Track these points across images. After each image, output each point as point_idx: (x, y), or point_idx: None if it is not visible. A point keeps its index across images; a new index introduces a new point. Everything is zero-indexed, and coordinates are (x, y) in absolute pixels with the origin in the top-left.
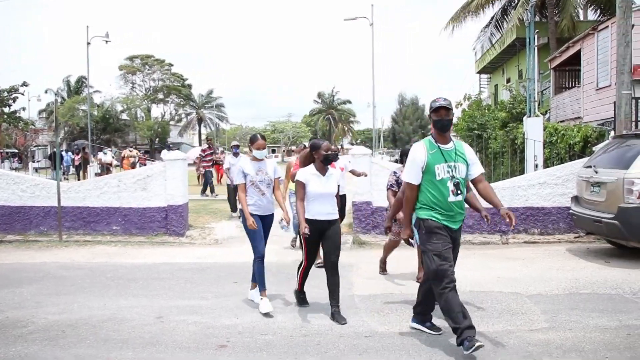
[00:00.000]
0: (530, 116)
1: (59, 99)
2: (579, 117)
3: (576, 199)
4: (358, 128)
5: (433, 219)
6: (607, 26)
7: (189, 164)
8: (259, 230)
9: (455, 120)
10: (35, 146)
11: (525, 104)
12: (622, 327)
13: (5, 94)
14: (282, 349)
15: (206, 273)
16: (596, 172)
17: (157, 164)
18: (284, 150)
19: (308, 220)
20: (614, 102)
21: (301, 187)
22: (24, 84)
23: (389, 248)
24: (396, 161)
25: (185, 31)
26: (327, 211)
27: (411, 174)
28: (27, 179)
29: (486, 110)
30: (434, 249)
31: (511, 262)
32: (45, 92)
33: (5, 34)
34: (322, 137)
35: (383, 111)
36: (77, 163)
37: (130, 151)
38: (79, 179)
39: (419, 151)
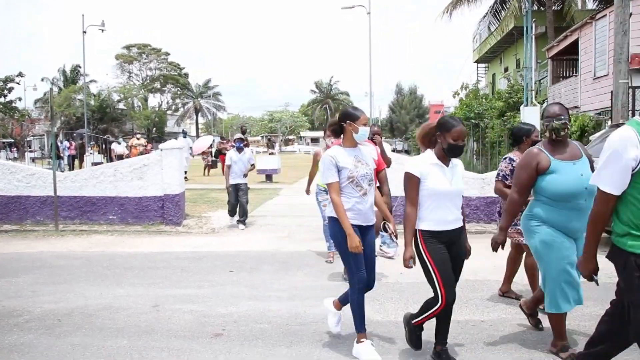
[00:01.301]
0: (527, 105)
1: (55, 89)
2: (576, 107)
3: None
4: None
5: None
6: (605, 15)
7: (196, 154)
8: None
9: (452, 109)
10: (32, 136)
11: (523, 93)
12: None
13: (1, 84)
14: (277, 338)
15: (202, 262)
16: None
17: (153, 153)
18: (281, 140)
19: (429, 233)
20: (611, 92)
21: (415, 184)
22: (20, 74)
23: (514, 262)
24: (394, 150)
25: (182, 21)
26: (454, 216)
27: (613, 178)
28: (23, 169)
29: (483, 100)
30: None
31: (507, 251)
32: (42, 80)
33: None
34: (319, 127)
35: (381, 101)
36: (71, 152)
37: (138, 139)
38: (71, 169)
39: (630, 141)
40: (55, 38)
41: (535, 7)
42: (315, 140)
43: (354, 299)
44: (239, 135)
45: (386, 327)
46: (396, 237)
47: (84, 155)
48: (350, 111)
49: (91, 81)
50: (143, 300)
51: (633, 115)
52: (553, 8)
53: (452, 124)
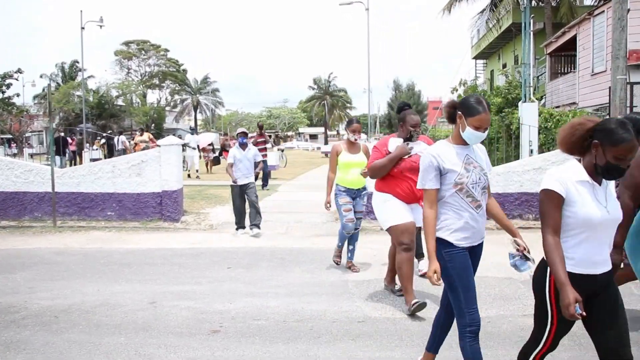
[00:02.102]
0: (525, 102)
1: (54, 85)
2: (574, 103)
3: None
4: (354, 114)
5: None
6: (603, 11)
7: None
8: (471, 274)
9: None
10: (30, 132)
11: (521, 90)
12: None
13: None
14: (274, 334)
15: (200, 258)
16: None
17: (152, 150)
18: (279, 136)
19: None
20: (609, 88)
21: (557, 205)
22: (19, 71)
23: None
24: None
25: (180, 19)
26: (605, 255)
27: None
28: (21, 164)
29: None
30: None
31: (505, 248)
32: (41, 76)
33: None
34: (318, 123)
35: (379, 97)
36: (72, 149)
37: (141, 135)
38: (72, 165)
39: None
40: (54, 34)
41: (534, 3)
42: (313, 137)
43: (466, 348)
44: (241, 129)
45: (384, 323)
46: (528, 251)
47: (83, 151)
48: (469, 102)
49: (89, 77)
50: (140, 297)
51: (631, 111)
52: (551, 4)
53: (622, 137)
